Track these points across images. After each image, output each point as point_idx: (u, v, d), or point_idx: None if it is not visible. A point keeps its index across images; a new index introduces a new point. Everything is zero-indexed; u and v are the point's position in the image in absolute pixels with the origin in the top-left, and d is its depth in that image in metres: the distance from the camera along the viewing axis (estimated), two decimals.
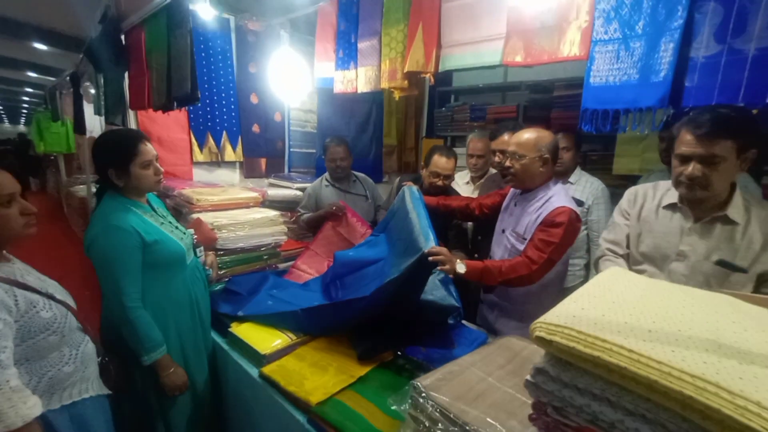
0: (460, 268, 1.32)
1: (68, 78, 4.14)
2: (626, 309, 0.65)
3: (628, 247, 1.39)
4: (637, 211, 1.35)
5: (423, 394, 0.87)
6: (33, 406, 0.89)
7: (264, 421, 1.31)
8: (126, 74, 2.16)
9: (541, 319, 0.60)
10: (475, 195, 2.43)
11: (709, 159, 1.12)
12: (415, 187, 1.79)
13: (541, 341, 0.59)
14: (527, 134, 1.44)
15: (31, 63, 7.36)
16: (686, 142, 1.17)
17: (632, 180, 2.67)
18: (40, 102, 9.01)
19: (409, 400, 0.90)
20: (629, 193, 1.41)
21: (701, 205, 1.21)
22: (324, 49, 2.52)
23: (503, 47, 1.70)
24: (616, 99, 1.44)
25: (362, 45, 2.28)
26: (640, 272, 1.30)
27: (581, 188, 2.16)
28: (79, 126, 4.06)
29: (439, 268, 1.29)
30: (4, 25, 5.02)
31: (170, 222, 1.46)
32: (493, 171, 2.47)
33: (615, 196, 2.39)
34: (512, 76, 3.31)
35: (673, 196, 1.26)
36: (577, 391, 0.56)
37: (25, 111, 17.61)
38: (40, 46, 5.68)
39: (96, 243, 1.24)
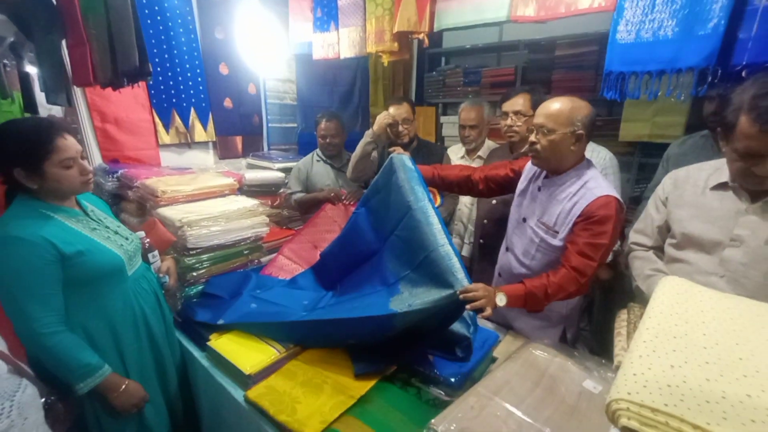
0: (501, 301, 1.11)
1: (8, 47, 3.66)
2: (729, 364, 0.47)
3: (659, 240, 1.25)
4: (678, 196, 1.17)
5: None
6: None
7: None
8: (64, 43, 1.83)
9: (624, 393, 0.43)
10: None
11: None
12: (406, 155, 1.48)
13: None
14: (559, 104, 1.18)
15: None
16: (751, 135, 0.91)
17: (641, 147, 2.49)
18: None
19: None
20: (668, 178, 1.22)
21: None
22: (300, 8, 2.20)
23: None
24: (649, 59, 1.22)
25: (343, 2, 1.97)
26: (680, 260, 1.15)
27: None
28: (30, 104, 3.63)
29: (480, 315, 1.06)
30: None
31: (107, 227, 1.23)
32: (491, 143, 2.25)
33: (622, 166, 2.22)
34: (509, 35, 3.02)
35: (722, 175, 1.08)
36: None
37: None
38: None
39: None
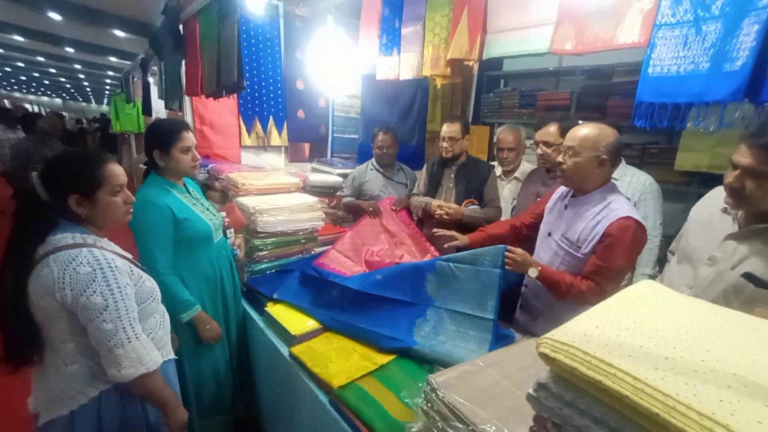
0: (532, 273, 1.31)
1: (139, 63, 4.51)
2: (647, 331, 0.61)
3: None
4: (698, 213, 1.28)
5: (436, 391, 0.89)
6: (158, 356, 1.06)
7: (290, 397, 1.41)
8: (183, 62, 2.31)
9: (549, 334, 0.59)
10: (507, 189, 2.34)
11: (749, 170, 1.01)
12: None
13: (544, 358, 0.57)
14: (586, 130, 1.28)
15: (111, 48, 8.13)
16: (739, 150, 1.07)
17: (698, 178, 2.41)
18: (118, 84, 9.90)
19: (423, 395, 0.92)
20: (706, 195, 1.33)
21: (751, 212, 1.10)
22: (368, 34, 2.51)
23: (552, 34, 1.59)
24: (679, 91, 1.30)
25: (406, 31, 2.24)
26: (672, 266, 1.28)
27: (626, 184, 1.97)
28: (147, 108, 4.43)
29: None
30: (86, 12, 5.56)
31: (202, 204, 1.61)
32: (527, 165, 2.35)
33: (673, 195, 2.18)
34: (568, 61, 3.08)
35: None
36: (578, 412, 0.55)
37: (107, 92, 19.77)
38: (119, 33, 6.23)
39: (135, 216, 1.28)
